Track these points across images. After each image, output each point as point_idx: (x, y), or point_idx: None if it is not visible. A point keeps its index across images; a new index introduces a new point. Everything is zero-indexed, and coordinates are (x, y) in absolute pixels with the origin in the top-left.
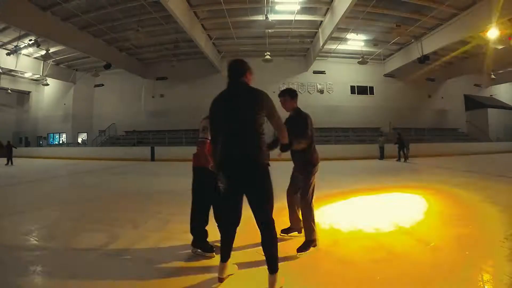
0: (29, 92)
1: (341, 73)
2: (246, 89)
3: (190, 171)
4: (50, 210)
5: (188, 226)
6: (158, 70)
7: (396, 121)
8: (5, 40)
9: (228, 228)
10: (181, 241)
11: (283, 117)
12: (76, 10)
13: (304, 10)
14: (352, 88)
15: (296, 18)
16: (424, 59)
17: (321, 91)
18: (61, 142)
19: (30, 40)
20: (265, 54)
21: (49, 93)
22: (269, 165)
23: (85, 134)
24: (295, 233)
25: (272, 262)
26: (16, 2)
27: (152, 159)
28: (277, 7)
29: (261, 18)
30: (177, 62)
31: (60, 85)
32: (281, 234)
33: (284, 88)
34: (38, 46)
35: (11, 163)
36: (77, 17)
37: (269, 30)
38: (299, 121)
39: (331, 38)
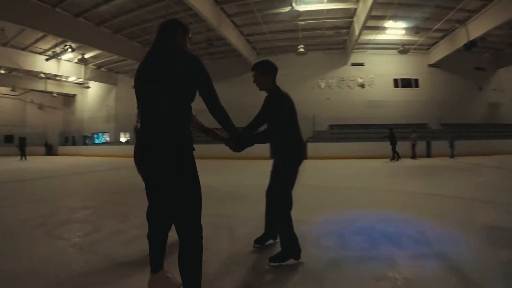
0: (74, 95)
1: (383, 65)
2: (173, 49)
3: (222, 170)
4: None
5: None
6: None
7: (444, 116)
8: (46, 47)
9: (155, 230)
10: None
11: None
12: (107, 14)
13: None
14: (395, 81)
15: (327, 8)
16: (471, 46)
17: (362, 85)
18: (104, 141)
19: (65, 46)
20: (299, 47)
21: (92, 95)
22: (192, 149)
23: (128, 133)
24: (272, 241)
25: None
26: (48, 11)
27: None
28: None
29: (289, 8)
30: (212, 60)
31: (102, 88)
32: (255, 246)
33: (323, 83)
34: (73, 51)
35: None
36: (109, 21)
37: (302, 23)
38: (271, 103)
39: (368, 28)
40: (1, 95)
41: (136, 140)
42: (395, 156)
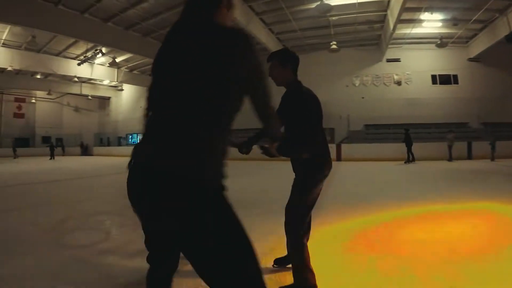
0: (109, 98)
1: (420, 61)
2: (208, 24)
3: (249, 173)
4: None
5: None
6: None
7: (485, 114)
8: (78, 52)
9: (157, 272)
10: None
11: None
12: (135, 18)
13: None
14: (433, 77)
15: (359, 1)
16: None
17: (399, 83)
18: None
19: (96, 50)
20: (331, 43)
21: (126, 98)
22: (224, 189)
23: None
24: None
25: None
26: (77, 17)
27: None
28: None
29: (318, 3)
30: None
31: (136, 90)
32: (274, 265)
33: (358, 81)
34: (103, 55)
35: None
36: (138, 25)
37: (333, 18)
38: (294, 102)
39: (403, 21)
40: (38, 98)
41: (131, 165)
42: (410, 157)
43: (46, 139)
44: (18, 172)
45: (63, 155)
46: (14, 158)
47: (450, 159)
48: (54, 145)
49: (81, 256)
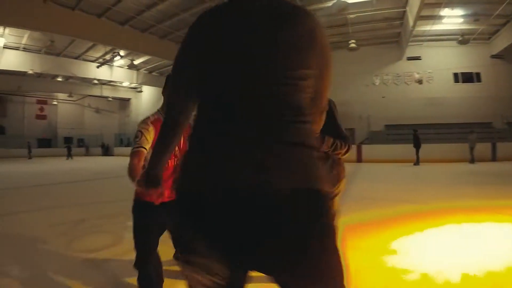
0: (129, 99)
1: (441, 59)
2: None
3: None
4: None
5: None
6: None
7: (510, 113)
8: (97, 55)
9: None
10: None
11: None
12: (151, 21)
13: None
14: (455, 75)
15: None
16: None
17: (420, 81)
18: None
19: (114, 53)
20: (350, 42)
21: (146, 99)
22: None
23: None
24: None
25: None
26: (94, 21)
27: None
28: None
29: (334, 1)
30: None
31: (155, 91)
32: None
33: (378, 80)
34: (121, 58)
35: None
36: (155, 27)
37: (351, 16)
38: None
39: (423, 17)
40: (60, 100)
41: (186, 181)
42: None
43: (67, 140)
44: (37, 173)
45: (86, 155)
46: (29, 158)
47: (472, 161)
48: (71, 146)
49: (91, 259)
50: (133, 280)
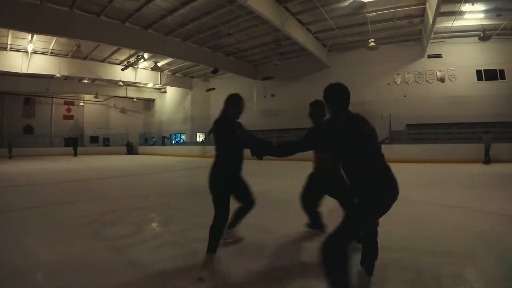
0: (153, 100)
1: (463, 56)
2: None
3: (291, 173)
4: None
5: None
6: (266, 70)
7: None
8: (122, 58)
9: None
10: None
11: None
12: (174, 24)
13: None
14: (479, 73)
15: None
16: None
17: (442, 79)
18: (182, 141)
19: (138, 56)
20: (369, 41)
21: (170, 99)
22: None
23: (203, 134)
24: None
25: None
26: (119, 26)
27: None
28: None
29: (351, 0)
30: (282, 61)
31: (179, 92)
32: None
33: (399, 79)
34: (145, 60)
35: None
36: (177, 31)
37: (370, 15)
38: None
39: (443, 14)
40: (86, 101)
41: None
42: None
43: (93, 139)
44: (67, 170)
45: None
46: (9, 158)
47: (487, 161)
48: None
49: (113, 245)
50: (151, 264)
